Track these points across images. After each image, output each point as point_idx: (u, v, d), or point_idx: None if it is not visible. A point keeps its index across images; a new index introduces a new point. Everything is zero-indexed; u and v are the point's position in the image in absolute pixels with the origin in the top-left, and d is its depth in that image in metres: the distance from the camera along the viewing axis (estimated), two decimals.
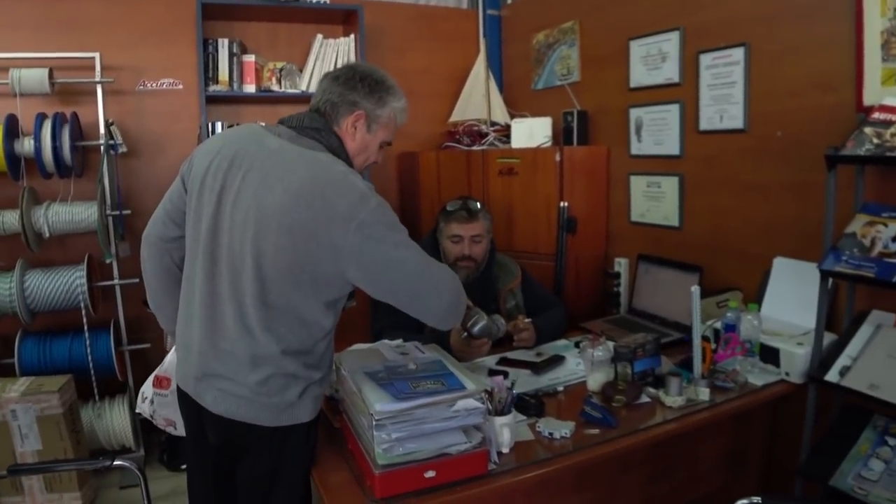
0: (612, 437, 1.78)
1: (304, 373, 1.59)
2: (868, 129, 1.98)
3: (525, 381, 2.16)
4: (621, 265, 3.19)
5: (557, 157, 3.13)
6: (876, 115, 2.01)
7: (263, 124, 1.70)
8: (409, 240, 1.59)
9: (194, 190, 1.65)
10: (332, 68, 2.60)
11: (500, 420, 1.66)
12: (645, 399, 2.00)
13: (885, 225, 1.98)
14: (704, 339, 2.02)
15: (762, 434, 2.42)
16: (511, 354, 2.44)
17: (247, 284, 1.53)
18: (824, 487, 1.99)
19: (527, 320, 2.46)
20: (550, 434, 1.77)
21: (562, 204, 3.16)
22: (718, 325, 2.22)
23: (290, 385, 1.57)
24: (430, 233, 2.68)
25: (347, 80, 1.67)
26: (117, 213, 3.33)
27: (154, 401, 1.96)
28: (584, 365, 2.12)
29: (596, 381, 2.07)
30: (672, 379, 1.95)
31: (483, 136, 3.72)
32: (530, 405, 1.91)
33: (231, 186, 1.57)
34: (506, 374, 2.20)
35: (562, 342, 2.57)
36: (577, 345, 2.49)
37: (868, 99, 2.12)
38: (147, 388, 1.99)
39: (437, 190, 3.69)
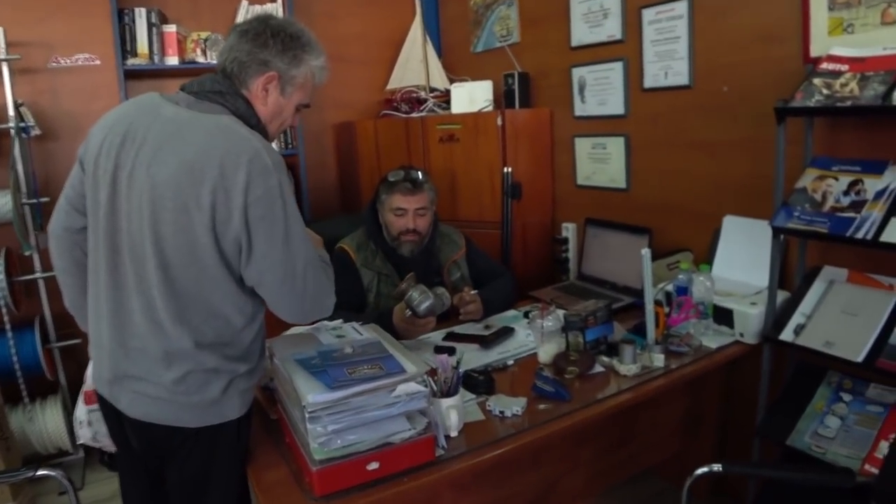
0: (567, 412, 1.68)
1: (226, 366, 1.44)
2: (817, 80, 1.90)
3: (473, 357, 2.05)
4: (569, 230, 3.10)
5: (499, 121, 3.01)
6: (824, 65, 1.94)
7: (161, 94, 1.50)
8: (306, 236, 1.45)
9: (90, 172, 1.46)
10: None
11: (446, 402, 1.54)
12: (598, 369, 1.92)
13: (836, 179, 1.93)
14: (657, 303, 1.94)
15: (717, 397, 2.38)
16: (458, 329, 2.33)
17: (151, 274, 1.37)
18: (782, 447, 1.95)
19: (473, 292, 2.34)
20: (501, 413, 1.67)
21: (505, 169, 3.04)
22: (670, 287, 2.14)
23: (210, 381, 1.42)
24: (368, 204, 2.53)
25: (257, 35, 1.48)
26: (34, 201, 3.06)
27: (91, 421, 1.75)
28: (534, 336, 2.02)
29: (547, 352, 1.97)
30: (625, 347, 1.86)
31: (422, 102, 3.56)
32: (479, 382, 1.80)
33: (125, 164, 1.39)
34: (452, 351, 2.10)
35: (510, 313, 2.47)
36: (526, 315, 2.40)
37: (815, 50, 2.05)
38: (80, 410, 1.78)
39: (376, 160, 3.52)
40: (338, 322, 1.87)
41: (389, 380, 1.37)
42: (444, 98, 3.56)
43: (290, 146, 3.50)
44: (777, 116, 1.92)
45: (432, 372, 1.61)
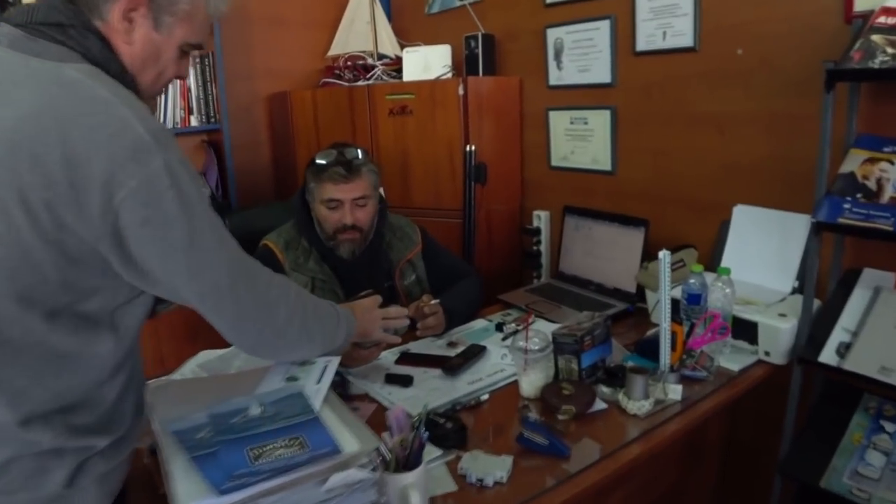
0: (568, 476, 1.24)
1: (73, 443, 0.96)
2: (877, 37, 1.49)
3: (436, 390, 1.60)
4: (541, 219, 2.67)
5: (460, 90, 2.53)
6: (882, 19, 1.52)
7: None
8: (226, 236, 1.06)
9: None
10: None
11: (403, 479, 1.07)
12: (599, 405, 1.48)
13: (892, 162, 1.53)
14: (675, 319, 1.51)
15: (725, 422, 1.99)
16: (415, 346, 1.87)
17: None
18: (810, 489, 1.57)
19: (433, 302, 1.88)
20: (480, 481, 1.22)
21: (468, 148, 2.58)
22: (677, 293, 1.72)
23: (47, 469, 0.94)
24: (297, 193, 2.03)
25: None
26: None
27: None
28: (513, 360, 1.57)
29: (532, 384, 1.53)
30: (636, 378, 1.43)
31: (369, 69, 3.05)
32: (447, 433, 1.34)
33: None
34: (408, 381, 1.64)
35: (479, 324, 2.02)
36: (499, 327, 1.95)
37: (861, 3, 1.64)
38: None
39: (315, 137, 3.01)
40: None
41: (316, 467, 0.91)
42: (396, 66, 3.06)
43: (211, 119, 2.95)
44: (827, 82, 1.50)
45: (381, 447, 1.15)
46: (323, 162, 1.91)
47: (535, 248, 2.68)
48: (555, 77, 2.54)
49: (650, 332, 1.81)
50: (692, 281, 1.68)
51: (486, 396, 1.56)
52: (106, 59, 0.98)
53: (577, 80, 2.45)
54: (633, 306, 2.02)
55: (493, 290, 2.33)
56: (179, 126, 2.90)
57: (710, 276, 1.71)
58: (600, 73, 2.35)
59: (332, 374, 1.23)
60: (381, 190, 2.80)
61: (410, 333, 1.88)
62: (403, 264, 2.06)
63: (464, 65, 2.75)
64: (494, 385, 1.62)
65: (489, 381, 1.63)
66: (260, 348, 1.17)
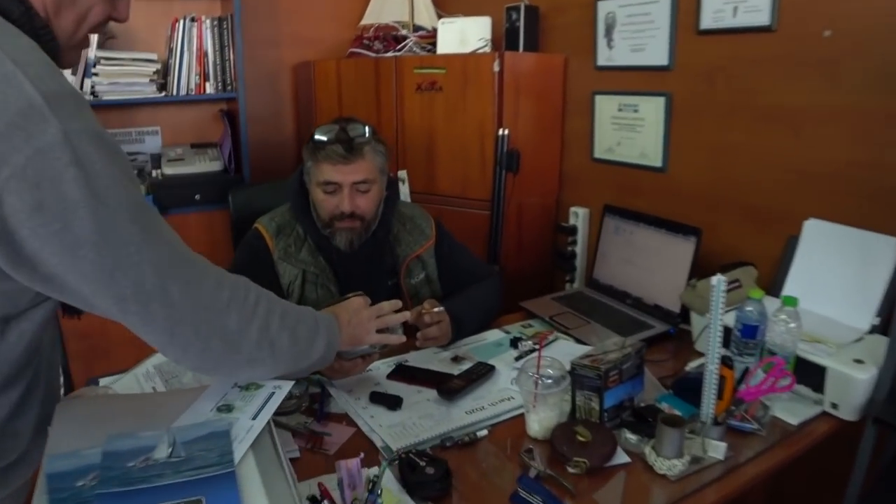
0: None
1: None
2: None
3: (427, 417, 1.34)
4: (578, 217, 2.38)
5: (496, 67, 2.25)
6: None
7: None
8: (158, 226, 0.87)
9: None
10: None
11: None
12: (620, 458, 1.20)
13: None
14: (725, 361, 1.21)
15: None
16: (414, 358, 1.62)
17: None
18: None
19: (437, 309, 1.62)
20: None
21: (500, 132, 2.30)
22: (729, 321, 1.42)
23: None
24: (295, 174, 1.78)
25: None
26: None
27: None
28: (520, 392, 1.30)
29: (541, 423, 1.26)
30: (668, 431, 1.14)
31: (400, 41, 2.78)
32: (426, 481, 1.09)
33: None
34: (397, 403, 1.39)
35: (493, 335, 1.76)
36: (514, 343, 1.67)
37: None
38: None
39: (337, 112, 2.76)
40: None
41: None
42: (430, 39, 2.78)
43: (228, 87, 2.73)
44: None
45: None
46: (322, 138, 1.66)
47: (569, 248, 2.39)
48: (604, 57, 2.22)
49: (692, 366, 1.51)
50: (749, 309, 1.38)
51: (484, 432, 1.30)
52: (6, 2, 0.77)
53: (630, 61, 2.13)
54: (675, 328, 1.72)
55: (517, 294, 2.05)
56: (194, 93, 2.68)
57: (770, 303, 1.40)
58: (656, 53, 2.03)
59: (276, 406, 0.99)
60: (405, 174, 2.57)
61: (409, 342, 1.62)
62: (411, 260, 1.80)
63: (503, 39, 2.46)
64: (497, 417, 1.35)
65: (491, 411, 1.37)
66: (209, 364, 0.94)
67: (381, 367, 1.58)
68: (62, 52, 0.87)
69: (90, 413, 0.99)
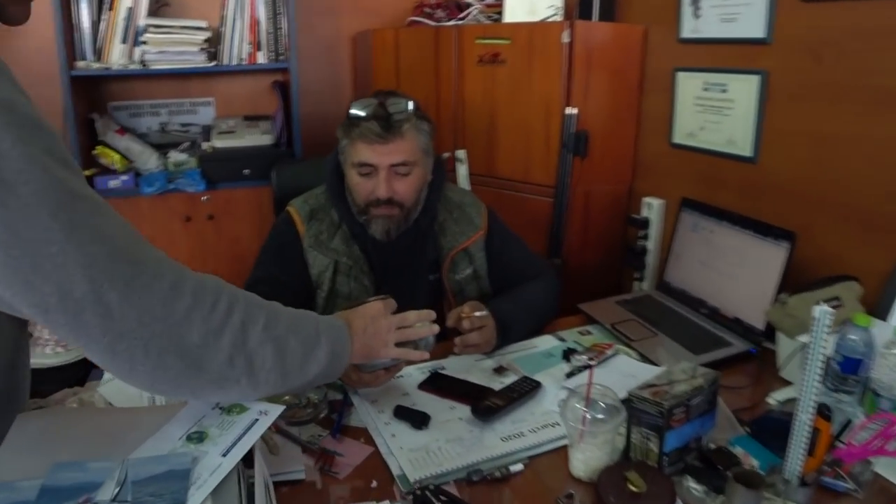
0: None
1: None
2: None
3: (457, 441, 1.16)
4: (652, 209, 2.12)
5: (565, 38, 2.01)
6: None
7: None
8: (80, 211, 0.70)
9: None
10: None
11: None
12: None
13: None
14: (821, 411, 0.96)
15: None
16: (451, 366, 1.44)
17: None
18: None
19: (479, 314, 1.43)
20: None
21: (568, 111, 2.06)
22: (827, 349, 1.16)
23: None
24: (331, 155, 1.62)
25: None
26: None
27: None
28: (563, 424, 1.09)
29: (586, 462, 1.06)
30: (741, 492, 0.92)
31: (463, 8, 2.56)
32: None
33: None
34: (423, 421, 1.22)
35: (545, 342, 1.55)
36: (566, 356, 1.46)
37: None
38: None
39: (394, 85, 2.57)
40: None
41: None
42: (497, 8, 2.56)
43: (280, 57, 2.59)
44: None
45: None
46: (358, 113, 1.48)
47: (639, 243, 2.14)
48: (689, 28, 1.95)
49: (776, 398, 1.27)
50: (853, 337, 1.13)
51: (519, 466, 1.10)
52: None
53: (719, 33, 1.85)
54: (757, 348, 1.47)
55: (579, 292, 1.84)
56: (245, 63, 2.56)
57: (879, 331, 1.14)
58: (751, 24, 1.74)
59: (257, 438, 0.82)
60: (464, 153, 2.37)
61: (445, 346, 1.44)
62: (457, 253, 1.61)
63: (576, 7, 2.21)
64: (538, 448, 1.15)
65: (531, 439, 1.17)
66: (164, 386, 0.78)
67: (413, 374, 1.41)
68: (3, 5, 0.72)
69: (50, 430, 0.85)
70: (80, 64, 2.37)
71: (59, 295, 0.67)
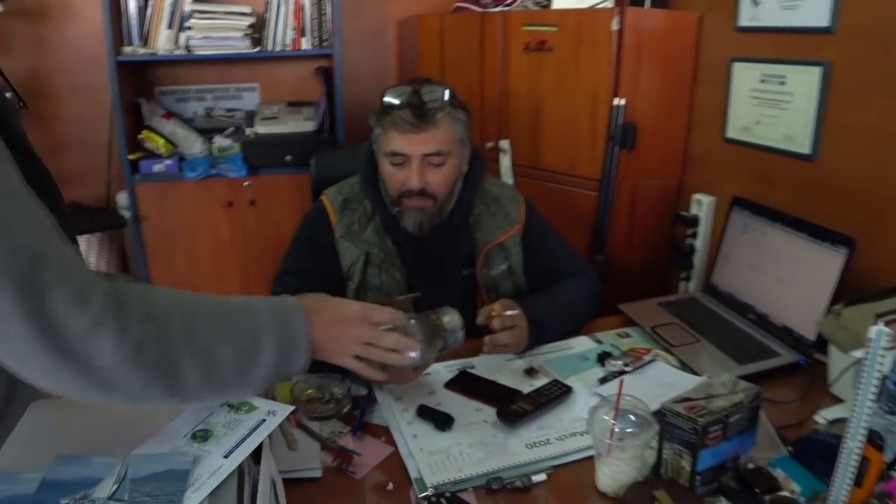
0: None
1: None
2: None
3: (480, 445, 1.12)
4: (702, 206, 2.03)
5: (615, 25, 1.92)
6: None
7: None
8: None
9: None
10: None
11: None
12: None
13: None
14: (872, 439, 0.88)
15: None
16: (482, 364, 1.39)
17: None
18: None
19: (511, 313, 1.37)
20: None
21: (616, 101, 1.98)
22: (885, 367, 1.07)
23: None
24: (366, 144, 1.58)
25: None
26: None
27: None
28: (591, 435, 1.03)
29: (612, 477, 1.00)
30: None
31: None
32: None
33: None
34: (446, 423, 1.18)
35: (580, 344, 1.49)
36: (601, 359, 1.40)
37: None
38: None
39: (438, 73, 2.53)
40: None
41: None
42: None
43: (324, 43, 2.56)
44: None
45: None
46: (392, 101, 1.44)
47: (687, 242, 2.05)
48: (747, 15, 1.83)
49: (824, 418, 1.18)
50: None
51: (542, 476, 1.05)
52: None
53: (779, 22, 1.73)
54: (807, 360, 1.38)
55: (622, 291, 1.78)
56: (289, 48, 2.54)
57: None
58: (814, 11, 1.63)
59: (262, 439, 0.79)
60: (507, 144, 2.31)
61: (475, 344, 1.39)
62: (492, 248, 1.56)
63: None
64: (563, 457, 1.10)
65: (557, 448, 1.12)
66: (55, 387, 0.70)
67: (441, 372, 1.37)
68: None
69: (62, 419, 0.84)
70: (127, 49, 2.39)
71: None
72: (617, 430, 0.98)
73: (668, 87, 2.05)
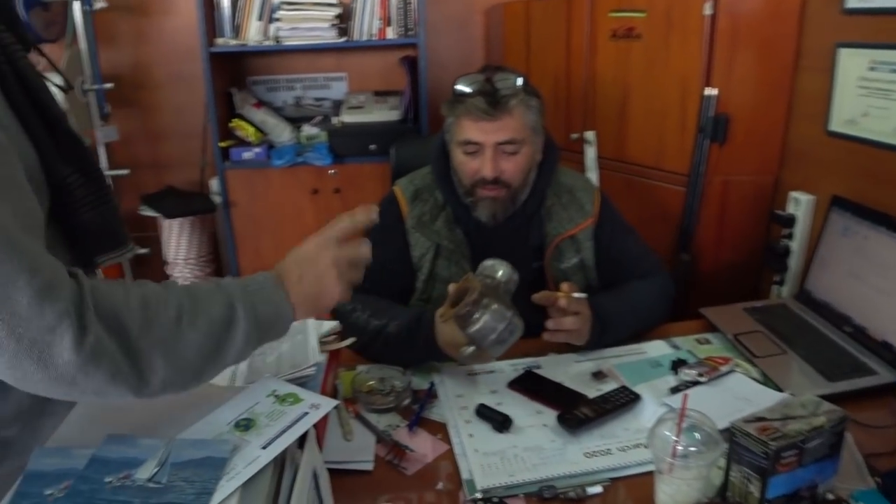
0: None
1: None
2: None
3: (536, 449, 1.08)
4: (799, 205, 1.88)
5: (707, 9, 1.81)
6: None
7: None
8: None
9: None
10: None
11: None
12: None
13: None
14: None
15: None
16: (547, 365, 1.35)
17: None
18: None
19: (578, 294, 1.32)
20: None
21: (707, 91, 1.87)
22: None
23: None
24: (438, 134, 1.56)
25: None
26: (96, 87, 2.54)
27: None
28: (651, 449, 0.97)
29: (674, 497, 0.93)
30: None
31: None
32: None
33: None
34: (504, 424, 1.15)
35: (654, 348, 1.42)
36: (675, 367, 1.32)
37: None
38: None
39: (524, 61, 2.48)
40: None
41: None
42: None
43: (409, 32, 2.56)
44: None
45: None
46: (463, 89, 1.41)
47: (782, 243, 1.91)
48: None
49: None
50: None
51: (597, 489, 1.00)
52: None
53: (892, 2, 1.57)
54: None
55: (708, 294, 1.70)
56: (375, 38, 2.55)
57: None
58: None
59: (302, 432, 0.79)
60: (593, 135, 2.23)
61: (542, 342, 1.34)
62: (563, 241, 1.50)
63: None
64: (623, 469, 1.04)
65: (618, 459, 1.06)
66: (20, 383, 0.67)
67: (505, 370, 1.34)
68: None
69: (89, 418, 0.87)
70: (219, 41, 2.48)
71: None
72: (680, 447, 0.91)
73: (765, 76, 1.91)
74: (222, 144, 2.55)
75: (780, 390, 1.22)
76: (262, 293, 0.81)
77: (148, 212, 2.71)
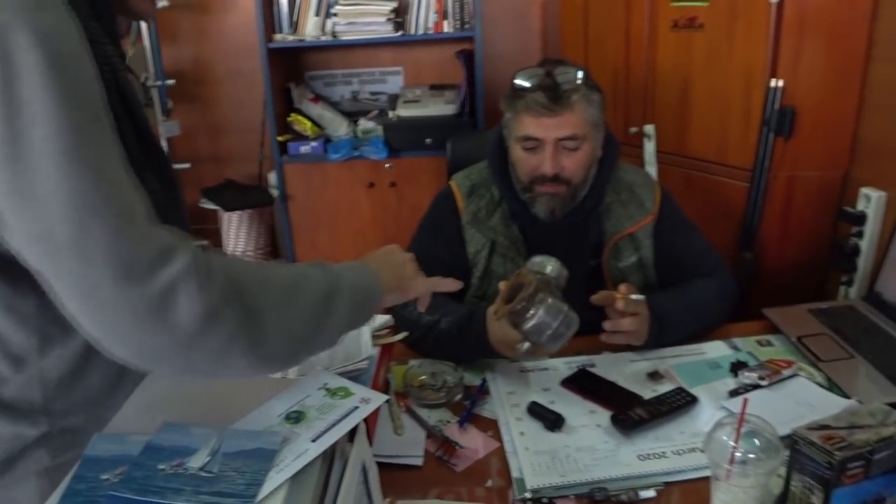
0: None
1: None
2: None
3: (588, 450, 1.07)
4: (870, 202, 1.79)
5: None
6: None
7: None
8: (82, 143, 0.63)
9: None
10: None
11: None
12: None
13: None
14: None
15: None
16: (602, 363, 1.33)
17: None
18: None
19: (635, 297, 1.29)
20: None
21: (773, 83, 1.80)
22: None
23: None
24: (495, 129, 1.55)
25: None
26: (159, 83, 2.62)
27: None
28: (708, 454, 0.94)
29: None
30: None
31: None
32: None
33: None
34: (557, 423, 1.14)
35: (714, 349, 1.38)
36: (735, 369, 1.28)
37: None
38: None
39: (581, 52, 2.44)
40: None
41: None
42: None
43: (465, 26, 2.55)
44: None
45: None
46: (523, 84, 1.40)
47: (851, 242, 1.83)
48: None
49: None
50: None
51: (650, 493, 0.98)
52: None
53: None
54: None
55: (771, 293, 1.64)
56: (431, 31, 2.56)
57: None
58: None
59: (352, 426, 0.79)
60: (652, 129, 2.18)
61: (596, 340, 1.32)
62: (621, 238, 1.48)
63: None
64: (678, 474, 1.02)
65: (673, 462, 1.04)
66: (147, 355, 0.68)
67: (559, 368, 1.33)
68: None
69: (174, 388, 0.89)
70: (277, 37, 2.52)
71: (40, 227, 0.62)
72: (738, 454, 0.88)
73: (834, 67, 1.82)
74: (280, 139, 2.60)
75: (847, 397, 1.17)
76: (355, 269, 0.87)
77: (208, 205, 2.79)
